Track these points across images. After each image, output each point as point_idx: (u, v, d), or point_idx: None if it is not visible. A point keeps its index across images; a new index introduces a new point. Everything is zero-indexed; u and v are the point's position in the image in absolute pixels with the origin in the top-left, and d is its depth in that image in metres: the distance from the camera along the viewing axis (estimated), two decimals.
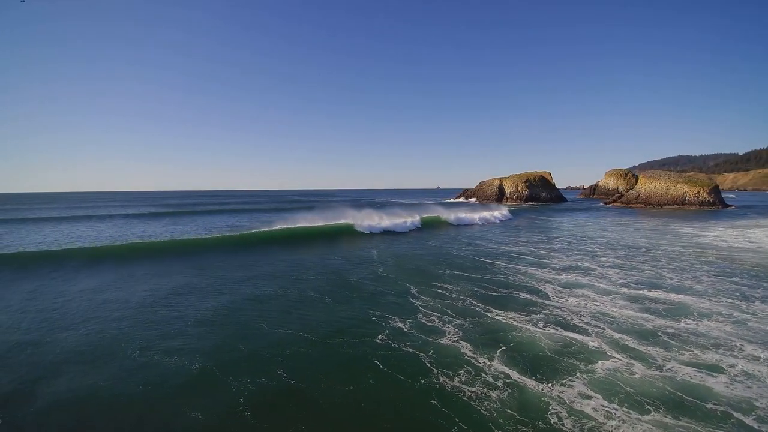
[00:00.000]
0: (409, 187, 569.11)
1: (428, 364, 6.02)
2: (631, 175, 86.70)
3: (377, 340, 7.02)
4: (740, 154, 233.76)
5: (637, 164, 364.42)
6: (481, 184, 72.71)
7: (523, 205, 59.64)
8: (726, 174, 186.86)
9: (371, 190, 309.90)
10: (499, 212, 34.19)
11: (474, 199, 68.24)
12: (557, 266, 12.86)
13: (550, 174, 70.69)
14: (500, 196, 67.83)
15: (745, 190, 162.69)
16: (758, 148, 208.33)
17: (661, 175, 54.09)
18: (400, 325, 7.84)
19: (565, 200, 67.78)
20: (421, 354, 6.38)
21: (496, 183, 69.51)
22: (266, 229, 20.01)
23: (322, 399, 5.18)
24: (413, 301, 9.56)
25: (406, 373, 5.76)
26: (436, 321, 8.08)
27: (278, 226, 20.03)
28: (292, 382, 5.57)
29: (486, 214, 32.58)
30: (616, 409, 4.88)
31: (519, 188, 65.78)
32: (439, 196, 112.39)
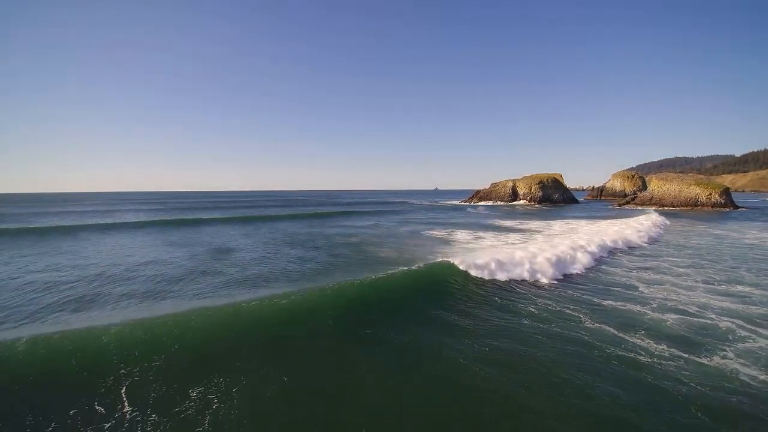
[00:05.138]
0: (405, 188, 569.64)
1: (585, 338, 6.98)
2: (638, 176, 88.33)
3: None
4: (737, 155, 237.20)
5: (634, 165, 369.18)
6: (494, 185, 73.89)
7: (537, 206, 60.75)
8: (724, 175, 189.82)
9: (369, 191, 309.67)
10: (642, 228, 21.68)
11: (489, 202, 69.37)
12: (632, 266, 13.82)
13: (561, 176, 71.93)
14: (513, 197, 69.12)
15: (743, 191, 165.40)
16: (755, 150, 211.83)
17: (673, 177, 55.53)
18: (532, 309, 8.81)
19: (577, 201, 69.11)
20: (574, 333, 7.36)
21: (509, 185, 70.80)
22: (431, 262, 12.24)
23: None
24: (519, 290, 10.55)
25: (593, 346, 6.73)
26: (558, 308, 9.04)
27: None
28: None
29: (638, 228, 21.66)
30: None
31: (532, 190, 67.06)
32: (441, 197, 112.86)
